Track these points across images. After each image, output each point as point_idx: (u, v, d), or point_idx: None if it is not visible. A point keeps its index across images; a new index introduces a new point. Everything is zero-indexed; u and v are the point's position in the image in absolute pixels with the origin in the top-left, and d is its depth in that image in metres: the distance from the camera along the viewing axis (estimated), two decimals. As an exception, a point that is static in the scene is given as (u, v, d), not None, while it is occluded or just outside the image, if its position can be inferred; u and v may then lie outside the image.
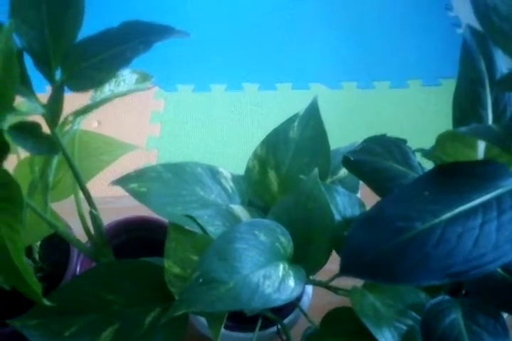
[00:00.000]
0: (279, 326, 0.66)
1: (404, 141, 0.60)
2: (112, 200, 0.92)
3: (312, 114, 0.61)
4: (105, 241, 0.61)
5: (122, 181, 0.58)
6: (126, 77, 0.57)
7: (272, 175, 0.60)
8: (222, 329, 0.51)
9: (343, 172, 0.65)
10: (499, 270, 0.38)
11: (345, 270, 0.37)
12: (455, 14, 1.67)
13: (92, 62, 0.33)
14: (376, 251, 0.31)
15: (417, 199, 0.31)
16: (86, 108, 0.48)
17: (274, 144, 0.61)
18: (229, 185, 0.63)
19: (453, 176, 0.32)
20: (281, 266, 0.51)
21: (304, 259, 0.54)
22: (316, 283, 0.58)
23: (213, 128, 1.38)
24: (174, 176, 0.60)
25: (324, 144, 0.60)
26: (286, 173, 0.60)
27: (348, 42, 1.58)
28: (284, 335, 0.64)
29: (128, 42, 0.33)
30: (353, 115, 1.28)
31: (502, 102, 0.43)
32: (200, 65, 1.53)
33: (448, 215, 0.30)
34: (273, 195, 0.61)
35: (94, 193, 0.55)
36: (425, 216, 0.30)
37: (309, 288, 0.71)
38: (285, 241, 0.53)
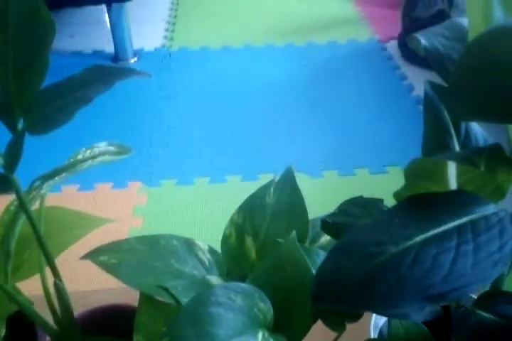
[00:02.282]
0: None
1: (381, 200, 0.59)
2: (86, 295, 0.87)
3: (288, 179, 0.61)
4: (72, 322, 0.56)
5: (93, 254, 0.55)
6: (102, 148, 0.57)
7: (249, 241, 0.58)
8: None
9: (325, 239, 0.63)
10: (490, 316, 0.36)
11: (316, 299, 0.35)
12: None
13: (55, 105, 0.34)
14: (348, 278, 0.29)
15: (390, 226, 0.30)
16: (53, 172, 0.47)
17: (250, 210, 0.59)
18: (206, 257, 0.60)
19: (426, 204, 0.31)
20: (260, 334, 0.47)
21: (286, 327, 0.50)
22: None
23: (193, 217, 1.38)
24: (148, 248, 0.58)
25: (301, 208, 0.59)
26: (264, 239, 0.58)
27: (328, 133, 1.64)
28: None
29: (91, 85, 0.33)
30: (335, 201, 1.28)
31: (469, 144, 0.43)
32: (184, 159, 1.56)
33: (422, 237, 0.28)
34: (251, 262, 0.58)
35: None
36: (398, 239, 0.28)
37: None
38: (264, 307, 0.49)
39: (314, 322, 0.50)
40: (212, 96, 1.82)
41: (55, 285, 0.50)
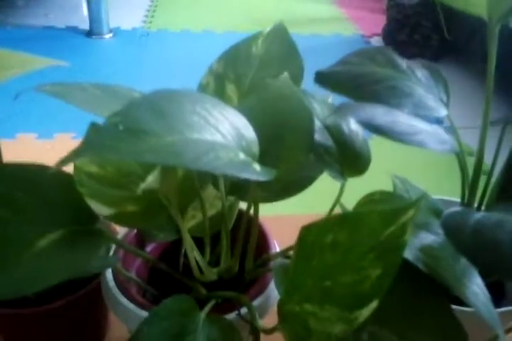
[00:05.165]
0: (246, 309, 0.47)
1: (388, 48, 0.50)
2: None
3: (278, 31, 0.51)
4: None
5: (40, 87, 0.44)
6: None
7: (230, 89, 0.48)
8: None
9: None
10: None
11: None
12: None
13: None
14: None
15: None
16: None
17: (233, 60, 0.49)
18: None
19: None
20: (242, 154, 0.36)
21: (274, 162, 0.40)
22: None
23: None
24: (102, 92, 0.47)
25: (295, 56, 0.49)
26: (250, 86, 0.47)
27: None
28: (251, 322, 0.46)
29: None
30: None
31: None
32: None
33: None
34: (232, 110, 0.47)
35: None
36: None
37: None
38: (249, 135, 0.39)
39: (305, 156, 0.40)
40: (180, 75, 1.72)
41: None
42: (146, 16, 2.18)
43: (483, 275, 0.49)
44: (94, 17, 1.87)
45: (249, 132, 0.39)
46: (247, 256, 0.51)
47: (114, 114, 0.31)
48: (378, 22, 2.10)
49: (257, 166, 0.35)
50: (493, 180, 0.47)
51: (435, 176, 1.22)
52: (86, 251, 0.34)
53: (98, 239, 0.36)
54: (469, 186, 0.45)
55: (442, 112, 0.45)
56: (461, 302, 0.49)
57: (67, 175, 0.36)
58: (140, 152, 0.29)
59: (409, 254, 0.34)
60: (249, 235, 0.50)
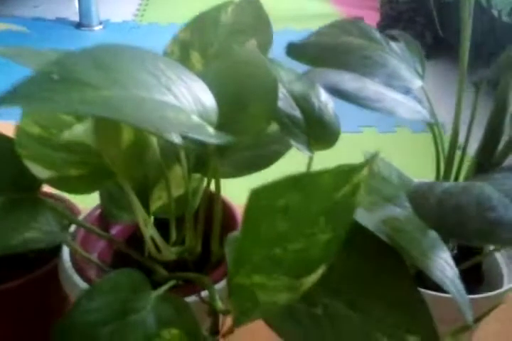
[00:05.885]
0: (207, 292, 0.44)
1: (361, 19, 0.47)
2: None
3: (251, 1, 0.49)
4: None
5: None
6: None
7: (195, 57, 0.45)
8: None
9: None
10: None
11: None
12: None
13: None
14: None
15: None
16: None
17: (201, 28, 0.47)
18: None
19: None
20: (195, 117, 0.33)
21: (233, 131, 0.37)
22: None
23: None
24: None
25: (265, 25, 0.46)
26: (215, 55, 0.45)
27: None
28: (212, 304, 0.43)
29: None
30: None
31: None
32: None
33: None
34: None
35: None
36: None
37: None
38: (209, 104, 0.36)
39: (267, 125, 0.37)
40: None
41: None
42: (138, 10, 2.16)
43: (459, 259, 0.47)
44: (84, 9, 1.84)
45: (208, 98, 0.37)
46: (213, 237, 0.48)
47: (49, 63, 0.28)
48: (372, 18, 2.09)
49: (211, 129, 0.32)
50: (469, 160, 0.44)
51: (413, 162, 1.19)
52: (21, 221, 0.32)
53: (37, 208, 0.33)
54: (445, 161, 0.42)
55: (417, 83, 0.43)
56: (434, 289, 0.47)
57: (7, 138, 0.34)
58: (72, 102, 0.26)
59: (371, 226, 0.32)
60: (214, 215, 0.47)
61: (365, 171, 0.25)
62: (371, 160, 0.25)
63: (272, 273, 0.27)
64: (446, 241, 0.35)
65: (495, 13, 1.34)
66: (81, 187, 0.34)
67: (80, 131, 0.32)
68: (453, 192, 0.29)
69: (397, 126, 1.42)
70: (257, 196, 0.29)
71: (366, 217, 0.32)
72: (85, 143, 0.35)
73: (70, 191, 0.33)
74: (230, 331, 0.32)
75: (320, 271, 0.24)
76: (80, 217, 0.53)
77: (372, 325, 0.28)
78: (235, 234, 0.39)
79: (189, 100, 0.34)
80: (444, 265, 0.31)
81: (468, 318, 0.28)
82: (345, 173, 0.26)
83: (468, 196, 0.27)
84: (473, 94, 0.44)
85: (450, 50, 1.81)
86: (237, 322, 0.27)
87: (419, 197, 0.31)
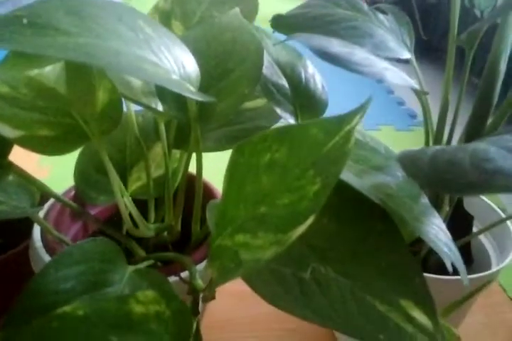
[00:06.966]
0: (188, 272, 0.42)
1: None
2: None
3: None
4: None
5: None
6: None
7: (176, 26, 0.43)
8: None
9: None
10: None
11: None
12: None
13: None
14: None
15: None
16: None
17: (182, -2, 0.45)
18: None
19: None
20: (175, 76, 0.32)
21: (216, 93, 0.35)
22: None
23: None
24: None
25: (250, -4, 0.45)
26: (198, 22, 0.43)
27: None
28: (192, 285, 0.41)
29: None
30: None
31: None
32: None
33: None
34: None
35: None
36: None
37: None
38: (190, 66, 0.34)
39: (250, 88, 0.35)
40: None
41: None
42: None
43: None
44: None
45: (190, 61, 0.35)
46: (194, 216, 0.46)
47: (18, 9, 0.26)
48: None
49: (192, 87, 0.30)
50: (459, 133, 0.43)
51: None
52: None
53: (6, 177, 0.31)
54: (433, 135, 0.41)
55: (405, 54, 0.42)
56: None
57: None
58: (44, 45, 0.24)
59: (363, 190, 0.30)
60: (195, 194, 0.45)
61: (356, 119, 0.24)
62: (362, 108, 0.24)
63: (257, 231, 0.25)
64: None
65: (477, 12, 1.35)
66: (53, 147, 0.32)
67: (49, 72, 0.29)
68: (446, 150, 0.27)
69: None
70: (241, 152, 0.27)
71: (357, 182, 0.31)
72: (56, 90, 0.33)
73: (40, 151, 0.31)
74: (211, 296, 0.30)
75: (308, 222, 0.22)
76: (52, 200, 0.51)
77: (363, 288, 0.26)
78: (217, 200, 0.37)
79: (170, 60, 0.32)
80: (437, 230, 0.30)
81: (463, 277, 0.26)
82: (334, 124, 0.24)
83: (463, 152, 0.26)
84: (457, 94, 0.43)
85: (432, 52, 1.82)
86: (217, 283, 0.25)
87: (410, 156, 0.29)
